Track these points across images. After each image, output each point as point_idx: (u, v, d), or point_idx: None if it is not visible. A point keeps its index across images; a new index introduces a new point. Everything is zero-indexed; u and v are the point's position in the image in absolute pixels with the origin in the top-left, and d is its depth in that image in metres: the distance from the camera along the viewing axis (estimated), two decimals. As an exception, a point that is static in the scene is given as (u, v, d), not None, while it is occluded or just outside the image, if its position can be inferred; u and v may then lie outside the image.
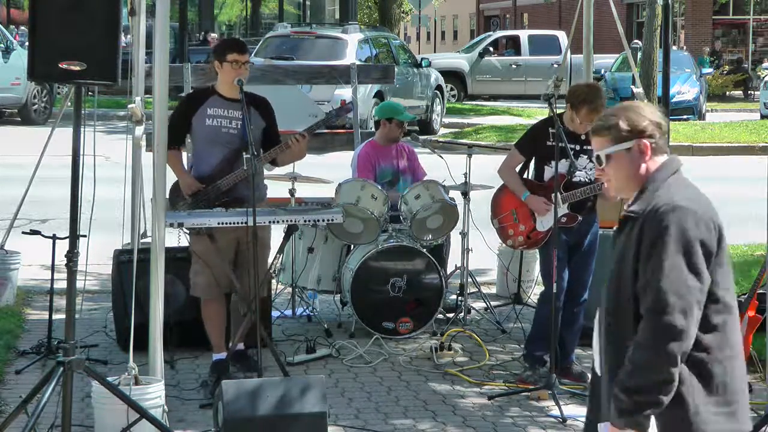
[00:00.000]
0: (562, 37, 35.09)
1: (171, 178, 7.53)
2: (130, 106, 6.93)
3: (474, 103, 33.35)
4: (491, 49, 36.31)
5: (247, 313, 7.54)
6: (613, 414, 3.96)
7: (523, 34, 37.73)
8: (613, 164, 4.16)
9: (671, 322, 3.88)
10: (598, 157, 4.18)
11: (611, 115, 4.18)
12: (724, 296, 4.03)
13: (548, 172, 8.00)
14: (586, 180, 7.96)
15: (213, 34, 42.30)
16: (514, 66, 35.59)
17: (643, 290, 3.96)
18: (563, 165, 7.85)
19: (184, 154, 8.22)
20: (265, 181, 8.19)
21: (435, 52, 51.56)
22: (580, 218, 7.97)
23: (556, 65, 32.73)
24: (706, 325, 3.98)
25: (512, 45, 36.75)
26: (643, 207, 4.04)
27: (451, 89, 33.02)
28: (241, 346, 7.89)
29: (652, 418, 3.91)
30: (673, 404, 3.93)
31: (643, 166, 4.13)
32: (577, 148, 7.91)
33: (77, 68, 6.08)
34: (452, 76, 33.39)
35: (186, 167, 7.99)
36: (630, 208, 4.09)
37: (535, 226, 8.10)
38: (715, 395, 3.99)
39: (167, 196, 7.27)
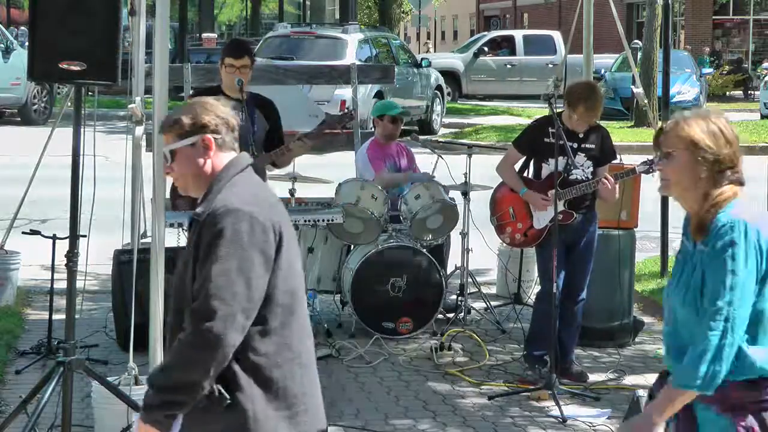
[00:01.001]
0: (557, 37, 35.06)
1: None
2: (130, 106, 6.93)
3: (474, 103, 33.33)
4: (486, 49, 36.25)
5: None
6: (141, 405, 3.89)
7: (518, 34, 37.62)
8: (178, 160, 4.06)
9: (209, 328, 3.77)
10: (164, 154, 4.08)
11: (177, 111, 4.10)
12: (284, 299, 3.93)
13: (546, 170, 8.01)
14: (583, 178, 7.97)
15: (210, 34, 42.26)
16: (508, 66, 35.54)
17: (196, 294, 3.86)
18: (560, 163, 7.84)
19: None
20: (268, 182, 8.19)
21: (435, 51, 51.55)
22: (576, 216, 7.97)
23: (551, 65, 32.73)
24: (265, 330, 3.89)
25: (507, 45, 36.66)
26: (205, 209, 3.94)
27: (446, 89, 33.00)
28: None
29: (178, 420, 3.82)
30: (231, 411, 3.85)
31: (209, 162, 4.04)
32: (575, 146, 7.92)
33: (77, 68, 6.08)
34: (447, 75, 33.36)
35: None
36: (196, 210, 3.98)
37: (532, 223, 8.10)
38: (275, 400, 3.90)
39: (167, 196, 7.27)
